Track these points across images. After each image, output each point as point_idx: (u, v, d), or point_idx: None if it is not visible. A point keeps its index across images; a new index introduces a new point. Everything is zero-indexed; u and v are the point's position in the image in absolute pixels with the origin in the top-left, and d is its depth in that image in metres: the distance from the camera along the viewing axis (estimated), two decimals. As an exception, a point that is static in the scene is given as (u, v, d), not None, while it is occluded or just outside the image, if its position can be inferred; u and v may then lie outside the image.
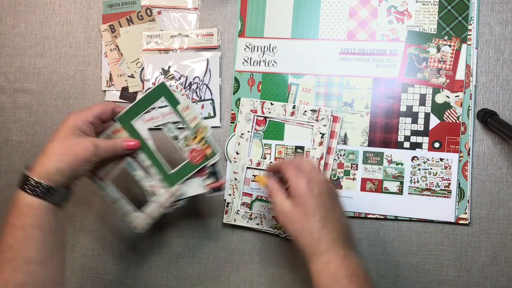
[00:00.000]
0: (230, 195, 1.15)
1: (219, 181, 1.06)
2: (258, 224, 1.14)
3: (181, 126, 1.05)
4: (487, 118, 1.05)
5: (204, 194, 1.06)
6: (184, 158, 1.05)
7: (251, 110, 1.14)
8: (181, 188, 1.05)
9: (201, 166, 1.05)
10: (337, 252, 0.90)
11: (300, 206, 0.93)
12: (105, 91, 1.22)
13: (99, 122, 1.01)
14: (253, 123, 1.14)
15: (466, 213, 1.08)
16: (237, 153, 1.14)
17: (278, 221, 0.97)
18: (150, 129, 1.05)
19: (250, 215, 1.14)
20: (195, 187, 1.06)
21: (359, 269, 0.90)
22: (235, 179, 1.15)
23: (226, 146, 1.16)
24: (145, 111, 1.05)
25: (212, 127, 1.17)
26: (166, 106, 1.04)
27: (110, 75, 1.21)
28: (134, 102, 1.05)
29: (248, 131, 1.14)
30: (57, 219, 0.95)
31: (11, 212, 0.92)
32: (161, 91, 1.05)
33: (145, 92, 1.15)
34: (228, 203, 1.16)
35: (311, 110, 1.12)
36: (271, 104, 1.13)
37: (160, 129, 1.05)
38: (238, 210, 1.15)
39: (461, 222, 1.08)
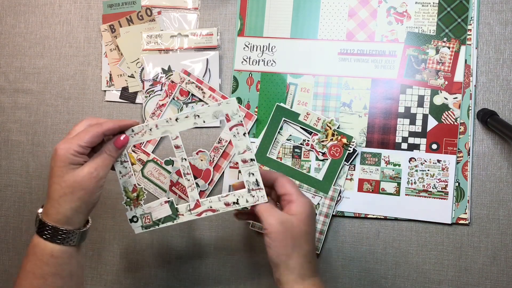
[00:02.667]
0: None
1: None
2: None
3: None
4: (487, 118, 1.05)
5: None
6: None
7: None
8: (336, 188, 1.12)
9: (345, 156, 1.10)
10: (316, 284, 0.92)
11: (304, 224, 0.91)
12: (105, 91, 1.22)
13: (87, 151, 0.92)
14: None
15: (466, 213, 1.08)
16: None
17: (268, 227, 0.91)
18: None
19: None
20: (341, 175, 1.12)
21: None
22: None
23: (145, 106, 1.17)
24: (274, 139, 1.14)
25: (211, 127, 1.17)
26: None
27: (110, 75, 1.21)
28: (260, 138, 1.14)
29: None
30: (77, 262, 0.93)
31: (29, 259, 0.90)
32: (279, 113, 1.14)
33: (145, 91, 1.16)
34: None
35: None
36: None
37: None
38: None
39: (461, 222, 1.08)
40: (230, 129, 0.95)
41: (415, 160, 1.09)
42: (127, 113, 1.20)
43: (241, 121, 0.94)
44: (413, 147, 1.09)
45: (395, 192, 1.10)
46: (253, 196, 0.95)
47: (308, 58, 1.14)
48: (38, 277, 0.88)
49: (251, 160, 0.95)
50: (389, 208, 1.10)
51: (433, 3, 1.09)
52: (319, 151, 1.11)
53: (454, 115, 1.08)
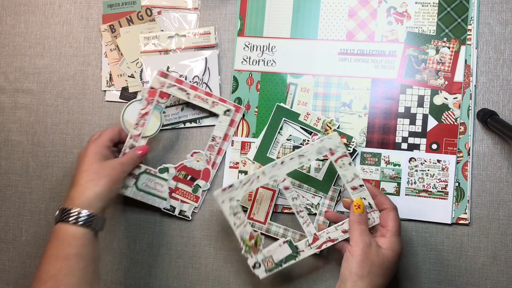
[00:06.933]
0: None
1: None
2: None
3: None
4: (487, 118, 1.05)
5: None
6: None
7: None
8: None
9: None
10: None
11: (387, 261, 0.95)
12: (105, 91, 1.22)
13: (112, 145, 1.11)
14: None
15: (466, 213, 1.08)
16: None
17: (354, 244, 0.96)
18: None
19: None
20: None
21: None
22: None
23: (122, 113, 1.14)
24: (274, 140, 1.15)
25: (208, 126, 1.17)
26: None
27: (110, 75, 1.21)
28: (260, 138, 1.14)
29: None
30: (95, 248, 1.01)
31: (52, 244, 0.97)
32: (279, 113, 1.14)
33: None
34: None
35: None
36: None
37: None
38: None
39: (461, 222, 1.08)
40: (336, 161, 0.99)
41: (415, 160, 1.09)
42: (127, 113, 1.20)
43: (345, 153, 0.99)
44: (413, 147, 1.09)
45: (395, 192, 1.10)
46: (368, 219, 1.01)
47: (308, 58, 1.14)
48: (61, 259, 0.95)
49: (360, 186, 1.00)
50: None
51: (433, 3, 1.09)
52: None
53: (454, 115, 1.08)
